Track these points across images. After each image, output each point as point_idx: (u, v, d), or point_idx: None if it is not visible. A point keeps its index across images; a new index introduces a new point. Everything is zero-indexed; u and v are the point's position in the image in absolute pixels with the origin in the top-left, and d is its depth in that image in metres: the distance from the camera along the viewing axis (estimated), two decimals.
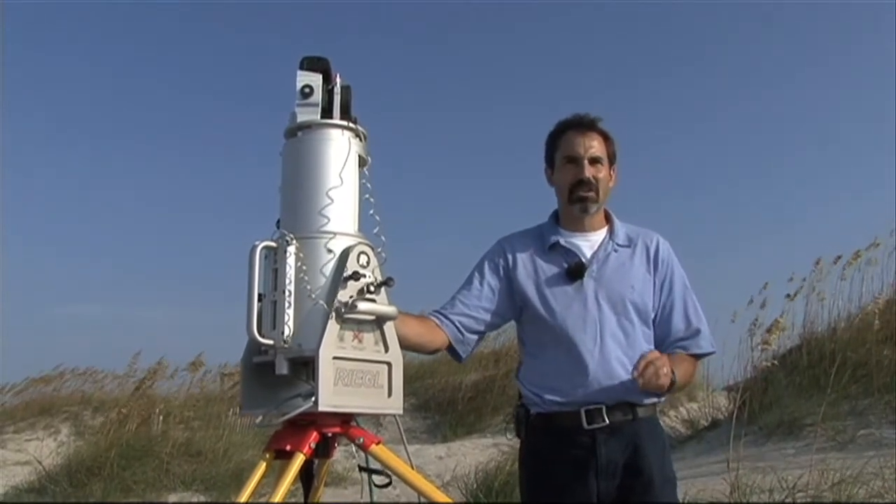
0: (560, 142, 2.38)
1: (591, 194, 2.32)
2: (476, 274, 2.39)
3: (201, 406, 10.09)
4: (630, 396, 2.22)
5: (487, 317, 2.35)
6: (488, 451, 8.54)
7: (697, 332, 2.35)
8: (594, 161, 2.32)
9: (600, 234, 2.39)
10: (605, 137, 2.37)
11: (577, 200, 2.33)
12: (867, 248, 7.55)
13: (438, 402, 10.76)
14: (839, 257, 7.62)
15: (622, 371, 2.22)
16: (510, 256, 2.39)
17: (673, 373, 2.16)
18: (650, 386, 2.13)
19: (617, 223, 2.41)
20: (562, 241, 2.36)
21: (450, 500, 1.84)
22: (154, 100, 23.16)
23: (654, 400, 2.29)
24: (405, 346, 2.03)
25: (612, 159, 2.38)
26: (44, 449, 9.54)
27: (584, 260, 2.32)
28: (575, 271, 2.30)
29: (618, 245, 2.37)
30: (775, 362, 6.36)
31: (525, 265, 2.37)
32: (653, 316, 2.35)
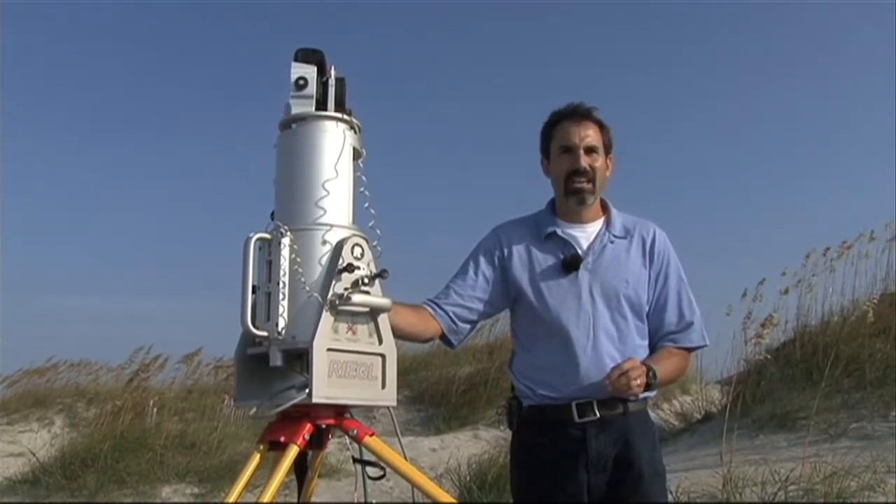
0: (555, 132, 2.36)
1: (588, 185, 2.31)
2: (471, 263, 2.39)
3: (195, 398, 10.09)
4: None
5: (480, 306, 2.35)
6: (482, 443, 8.55)
7: (689, 325, 2.35)
8: (590, 150, 2.31)
9: (597, 225, 2.38)
10: (601, 126, 2.35)
11: (572, 192, 2.32)
12: (856, 238, 7.57)
13: (432, 395, 10.75)
14: (828, 249, 7.63)
15: (613, 364, 2.22)
16: (505, 246, 2.38)
17: (653, 373, 2.17)
18: (620, 394, 2.15)
19: (614, 213, 2.40)
20: (558, 232, 2.35)
21: (443, 493, 1.84)
22: (149, 92, 23.09)
23: (645, 395, 2.30)
24: (398, 335, 2.04)
25: (608, 148, 2.37)
26: (37, 440, 9.53)
27: (579, 251, 2.32)
28: (571, 263, 2.30)
29: (614, 236, 2.36)
30: (768, 356, 6.38)
31: (520, 255, 2.36)
32: (647, 309, 2.35)
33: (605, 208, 2.41)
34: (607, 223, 2.37)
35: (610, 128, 2.38)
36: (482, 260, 2.38)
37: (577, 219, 2.37)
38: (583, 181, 2.30)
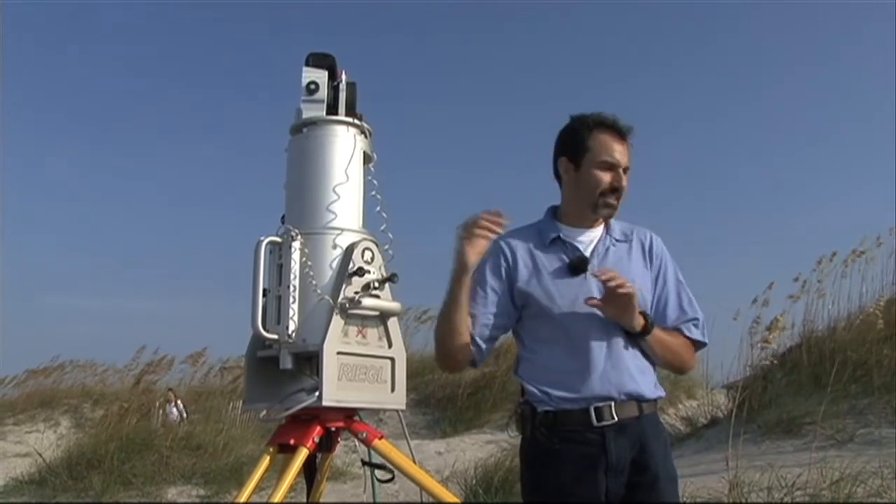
0: (595, 142, 2.35)
1: (617, 202, 2.34)
2: (478, 280, 2.39)
3: (202, 400, 10.11)
4: (638, 386, 2.23)
5: (497, 320, 2.36)
6: (487, 447, 8.55)
7: (691, 320, 2.37)
8: (626, 170, 2.35)
9: (597, 230, 2.40)
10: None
11: (605, 206, 2.34)
12: (866, 244, 7.54)
13: (438, 398, 10.76)
14: (835, 254, 7.59)
15: (630, 362, 2.23)
16: (510, 255, 2.39)
17: (651, 319, 2.22)
18: (620, 299, 2.15)
19: (612, 220, 2.42)
20: (562, 237, 2.37)
21: (451, 496, 1.85)
22: (156, 94, 23.19)
23: (657, 395, 2.30)
24: (452, 349, 2.13)
25: None
26: (44, 441, 9.56)
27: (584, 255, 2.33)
28: (578, 266, 2.31)
29: (615, 240, 2.39)
30: (774, 360, 6.36)
31: (525, 261, 2.37)
32: (651, 311, 2.36)
33: None
34: (607, 228, 2.40)
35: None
36: (489, 274, 2.38)
37: (581, 223, 2.38)
38: (616, 198, 2.33)
